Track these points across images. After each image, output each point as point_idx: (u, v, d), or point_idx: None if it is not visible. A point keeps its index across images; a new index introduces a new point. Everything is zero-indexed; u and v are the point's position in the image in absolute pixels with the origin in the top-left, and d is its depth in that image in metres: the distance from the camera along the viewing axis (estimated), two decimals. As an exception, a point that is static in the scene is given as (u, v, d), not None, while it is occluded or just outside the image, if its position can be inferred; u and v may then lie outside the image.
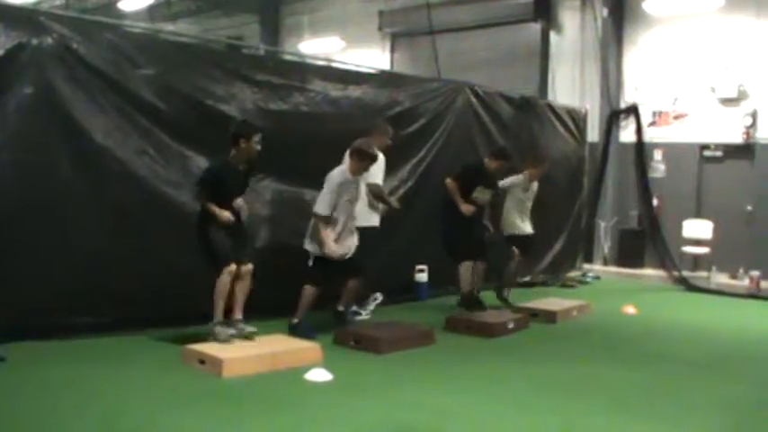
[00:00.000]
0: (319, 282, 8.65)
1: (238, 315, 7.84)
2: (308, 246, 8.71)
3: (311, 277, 8.67)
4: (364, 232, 9.21)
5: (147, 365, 7.09)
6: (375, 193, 9.60)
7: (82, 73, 7.96)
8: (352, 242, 8.83)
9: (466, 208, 10.00)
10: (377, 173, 9.59)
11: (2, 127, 7.39)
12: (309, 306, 8.66)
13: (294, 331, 8.45)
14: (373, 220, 9.69)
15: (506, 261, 11.25)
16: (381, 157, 9.55)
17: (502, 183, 10.96)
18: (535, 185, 11.35)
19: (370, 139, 9.00)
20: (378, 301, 10.33)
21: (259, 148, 7.87)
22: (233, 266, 7.63)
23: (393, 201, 9.92)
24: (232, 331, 7.64)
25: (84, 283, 7.82)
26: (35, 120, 7.61)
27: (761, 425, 6.32)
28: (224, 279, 7.59)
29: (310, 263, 8.71)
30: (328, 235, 8.51)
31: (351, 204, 8.74)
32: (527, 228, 11.23)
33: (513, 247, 11.16)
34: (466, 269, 10.16)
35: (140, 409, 5.84)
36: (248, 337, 7.69)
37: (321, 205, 8.50)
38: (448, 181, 10.19)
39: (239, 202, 7.96)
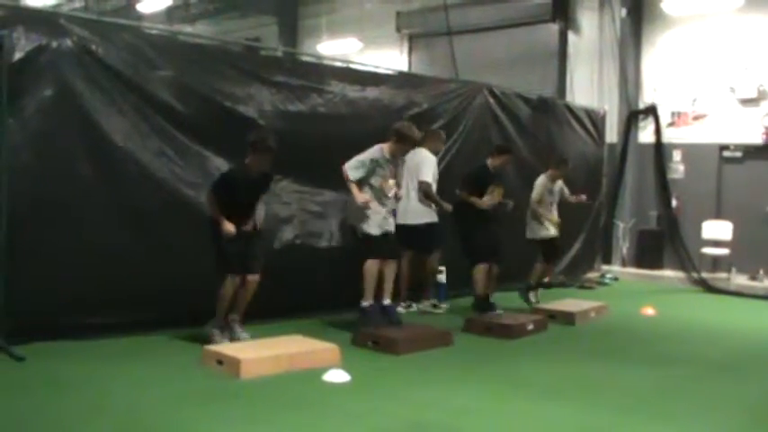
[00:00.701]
0: (376, 252, 8.85)
1: (236, 318, 7.98)
2: (354, 222, 9.05)
3: (366, 251, 8.89)
4: (419, 229, 10.04)
5: (165, 365, 7.12)
6: (424, 191, 9.99)
7: (101, 75, 8.01)
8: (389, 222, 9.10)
9: (485, 201, 10.09)
10: (427, 171, 10.03)
11: (22, 128, 7.43)
12: (376, 283, 8.87)
13: (362, 316, 8.83)
14: (427, 216, 10.16)
15: (534, 264, 11.43)
16: (433, 158, 10.19)
17: (534, 196, 11.18)
18: (558, 185, 11.45)
19: (411, 124, 9.21)
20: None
21: (266, 168, 7.99)
22: (237, 279, 7.68)
23: (445, 204, 10.12)
24: (226, 340, 7.78)
25: (102, 284, 7.85)
26: (54, 121, 7.66)
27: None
28: (227, 288, 7.68)
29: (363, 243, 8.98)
30: (357, 192, 8.76)
31: (383, 183, 8.90)
32: (551, 231, 11.28)
33: (541, 252, 11.36)
34: (480, 272, 10.18)
35: (157, 409, 5.86)
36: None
37: (350, 166, 8.81)
38: (458, 193, 10.30)
39: (259, 212, 8.01)
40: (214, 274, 7.83)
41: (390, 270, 9.01)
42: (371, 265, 8.83)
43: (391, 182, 8.95)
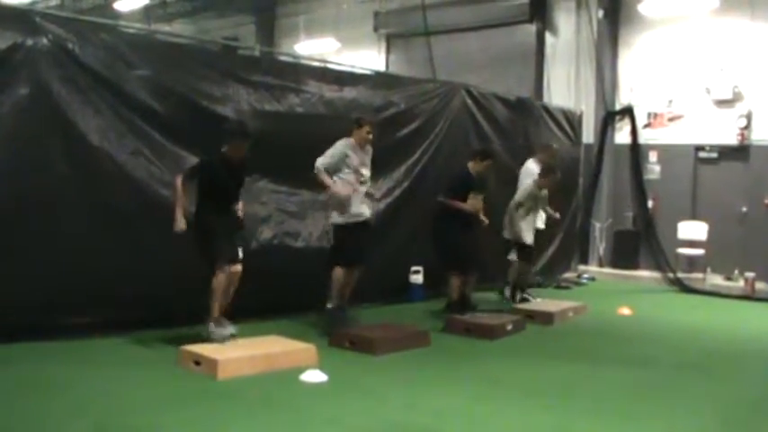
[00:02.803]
0: (341, 258, 8.87)
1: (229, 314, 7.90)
2: (331, 219, 9.06)
3: (332, 257, 8.93)
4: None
5: (143, 366, 7.09)
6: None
7: (77, 73, 7.96)
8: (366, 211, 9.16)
9: (471, 205, 9.98)
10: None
11: (-3, 127, 7.39)
12: (342, 289, 8.89)
13: (328, 316, 8.84)
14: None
15: (510, 265, 11.46)
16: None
17: (518, 198, 11.16)
18: (544, 193, 11.43)
19: (365, 112, 9.60)
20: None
21: (243, 156, 7.91)
22: (229, 267, 7.63)
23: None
24: (229, 331, 7.65)
25: (79, 284, 7.80)
26: (30, 120, 7.60)
27: (754, 425, 6.35)
28: (220, 279, 7.59)
29: (332, 241, 9.03)
30: (330, 182, 8.87)
31: (358, 172, 8.97)
32: (529, 237, 11.24)
33: (514, 253, 11.34)
34: (456, 279, 10.13)
35: (135, 410, 5.83)
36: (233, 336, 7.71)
37: (320, 161, 8.89)
38: (440, 198, 10.15)
39: (238, 206, 8.00)
40: (191, 273, 7.78)
41: (356, 274, 9.04)
42: (338, 272, 8.88)
43: (364, 171, 9.05)
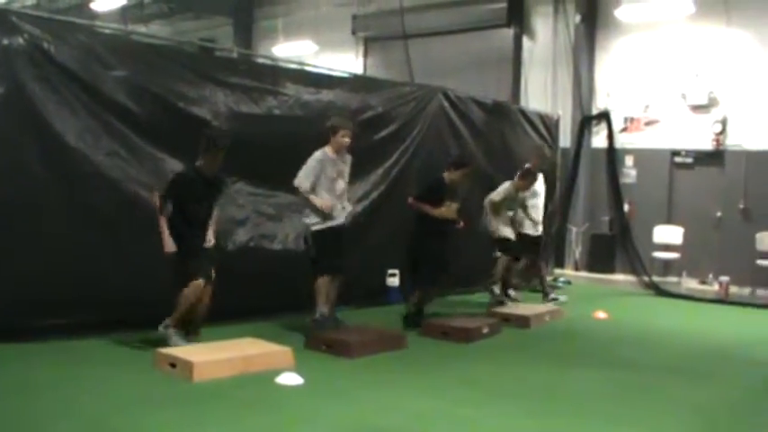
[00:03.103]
0: (326, 269, 8.82)
1: (194, 331, 7.93)
2: (306, 220, 8.93)
3: (316, 267, 8.85)
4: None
5: (119, 368, 7.05)
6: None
7: (53, 73, 7.93)
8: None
9: (439, 211, 9.72)
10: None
11: (-28, 127, 7.35)
12: (327, 297, 8.87)
13: (316, 326, 8.73)
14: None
15: (493, 263, 11.50)
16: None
17: (493, 196, 11.24)
18: (521, 195, 11.57)
19: (342, 116, 9.48)
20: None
21: (217, 168, 7.89)
22: (201, 282, 7.62)
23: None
24: (183, 343, 7.63)
25: (56, 285, 7.77)
26: (6, 119, 7.58)
27: (730, 427, 6.39)
28: (192, 289, 7.59)
29: (312, 251, 8.89)
30: (315, 198, 8.77)
31: (336, 183, 8.92)
32: (506, 231, 11.40)
33: (498, 251, 11.45)
34: (420, 294, 9.90)
35: (110, 413, 5.79)
36: None
37: (300, 178, 8.77)
38: (410, 200, 9.93)
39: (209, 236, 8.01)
40: (168, 275, 7.76)
41: (338, 281, 9.02)
42: (322, 282, 8.83)
43: (340, 181, 9.00)
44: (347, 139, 8.93)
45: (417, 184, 10.77)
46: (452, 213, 9.88)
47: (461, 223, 10.06)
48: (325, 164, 8.80)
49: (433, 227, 9.74)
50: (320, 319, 8.80)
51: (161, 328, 7.68)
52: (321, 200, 8.73)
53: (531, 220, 11.81)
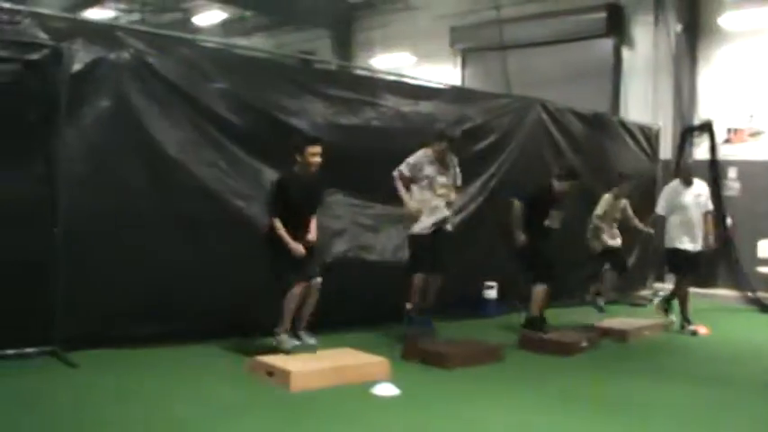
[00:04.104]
0: (419, 266, 8.96)
1: (302, 326, 7.95)
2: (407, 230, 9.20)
3: (412, 266, 9.03)
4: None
5: (216, 376, 7.17)
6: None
7: (157, 87, 8.13)
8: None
9: (521, 239, 9.65)
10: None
11: (79, 139, 7.57)
12: (421, 294, 9.02)
13: (407, 321, 8.97)
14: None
15: (601, 275, 11.93)
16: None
17: (597, 211, 11.54)
18: (622, 203, 11.80)
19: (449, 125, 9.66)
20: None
21: (317, 159, 7.88)
22: (300, 286, 7.70)
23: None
24: (296, 342, 7.75)
25: (155, 294, 7.96)
26: (111, 132, 7.78)
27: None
28: (294, 291, 7.65)
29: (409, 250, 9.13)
30: (407, 198, 9.06)
31: (435, 184, 9.06)
32: (617, 241, 11.79)
33: (606, 262, 11.81)
34: (539, 292, 9.80)
35: (207, 420, 5.89)
36: (310, 349, 7.75)
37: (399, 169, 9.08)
38: (516, 203, 9.76)
39: (311, 236, 8.05)
40: (266, 284, 7.87)
41: (436, 283, 9.05)
42: (416, 280, 8.96)
43: (442, 182, 9.10)
44: (445, 150, 9.06)
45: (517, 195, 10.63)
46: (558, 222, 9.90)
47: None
48: (424, 162, 9.06)
49: (540, 230, 9.78)
50: (411, 313, 8.99)
51: (274, 341, 7.77)
52: (408, 199, 9.03)
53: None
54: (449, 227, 9.24)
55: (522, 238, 9.67)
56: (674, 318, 11.32)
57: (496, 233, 10.60)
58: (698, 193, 11.15)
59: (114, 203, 7.77)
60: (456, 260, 9.58)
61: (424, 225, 9.00)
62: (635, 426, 6.36)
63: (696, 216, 11.02)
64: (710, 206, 11.25)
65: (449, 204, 9.24)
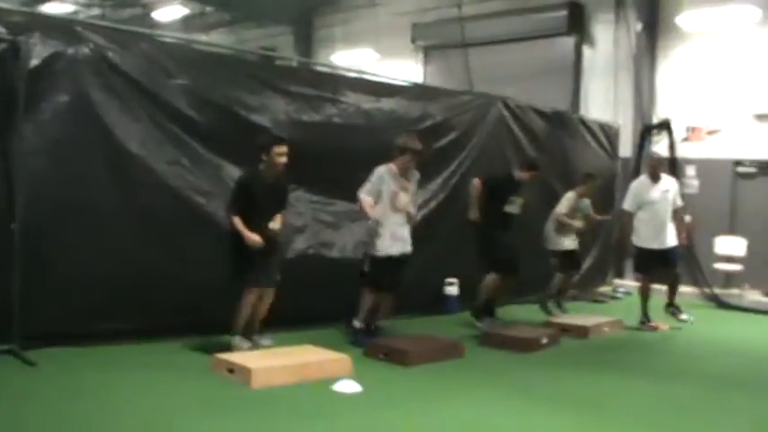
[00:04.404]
0: (375, 284, 8.84)
1: (255, 329, 8.01)
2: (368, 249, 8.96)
3: (366, 282, 8.87)
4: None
5: (176, 374, 7.13)
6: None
7: (116, 82, 8.05)
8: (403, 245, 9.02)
9: (474, 215, 9.96)
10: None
11: (38, 134, 7.47)
12: (371, 311, 8.89)
13: (351, 336, 8.81)
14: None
15: (553, 275, 11.67)
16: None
17: (560, 209, 11.33)
18: (585, 202, 11.68)
19: (412, 135, 9.21)
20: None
21: (283, 160, 7.90)
22: (255, 293, 7.73)
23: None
24: (248, 344, 7.84)
25: (114, 291, 7.89)
26: (70, 128, 7.69)
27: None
28: (248, 299, 7.72)
29: (366, 267, 8.90)
30: (369, 208, 8.71)
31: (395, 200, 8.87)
32: (571, 243, 11.55)
33: (556, 262, 11.60)
34: (489, 281, 10.10)
35: (168, 418, 5.86)
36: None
37: (363, 192, 8.74)
38: (476, 181, 10.13)
39: (274, 224, 8.00)
40: (227, 282, 7.85)
41: (387, 300, 9.05)
42: (367, 294, 8.87)
43: (403, 196, 8.94)
44: (412, 163, 8.99)
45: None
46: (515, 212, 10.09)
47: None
48: (385, 179, 8.80)
49: (501, 222, 10.00)
50: (357, 331, 8.87)
51: (230, 338, 7.79)
52: (375, 208, 8.72)
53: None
54: (409, 248, 9.17)
55: (475, 215, 9.94)
56: (689, 317, 11.37)
57: (458, 230, 10.60)
58: (666, 189, 11.01)
59: (74, 200, 7.68)
60: (417, 257, 9.59)
61: (386, 248, 8.84)
62: (595, 422, 6.40)
63: (664, 212, 10.92)
64: (680, 202, 11.15)
65: (409, 218, 9.14)
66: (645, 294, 11.22)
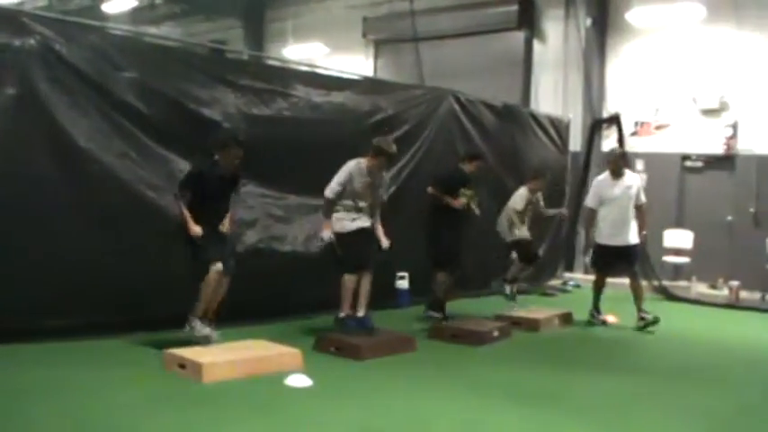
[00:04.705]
0: (347, 265, 8.72)
1: (211, 318, 7.94)
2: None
3: (342, 266, 8.77)
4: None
5: (128, 369, 7.06)
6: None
7: (64, 75, 7.95)
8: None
9: (458, 202, 10.03)
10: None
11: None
12: (352, 297, 8.76)
13: (339, 326, 8.70)
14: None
15: (509, 265, 11.72)
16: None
17: (516, 206, 11.27)
18: (537, 196, 11.62)
19: (389, 139, 9.15)
20: None
21: (237, 161, 7.89)
22: (219, 265, 7.64)
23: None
24: (208, 331, 7.75)
25: (63, 286, 7.78)
26: (17, 121, 7.59)
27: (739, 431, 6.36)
28: (212, 276, 7.61)
29: (337, 250, 8.81)
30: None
31: (358, 200, 8.83)
32: (527, 234, 11.50)
33: (514, 252, 11.62)
34: (443, 277, 10.21)
35: (119, 414, 5.80)
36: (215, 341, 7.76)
37: (330, 189, 8.67)
38: (430, 189, 10.22)
39: (222, 227, 7.98)
40: (177, 276, 7.80)
41: (367, 281, 8.95)
42: (347, 280, 8.73)
43: (366, 200, 8.92)
44: (383, 168, 9.01)
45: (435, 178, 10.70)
46: (471, 201, 10.14)
47: (477, 211, 10.15)
48: (352, 176, 8.73)
49: (449, 219, 10.04)
50: (345, 320, 8.75)
51: (187, 327, 7.70)
52: (331, 223, 8.73)
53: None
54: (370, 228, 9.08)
55: (454, 202, 10.04)
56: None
57: (408, 224, 10.61)
58: (628, 185, 10.80)
59: (21, 194, 7.59)
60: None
61: (346, 225, 8.80)
62: (547, 415, 6.43)
63: (625, 209, 10.69)
64: (644, 199, 10.94)
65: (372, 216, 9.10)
66: (598, 289, 11.14)
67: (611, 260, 10.89)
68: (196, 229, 7.65)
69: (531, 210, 11.49)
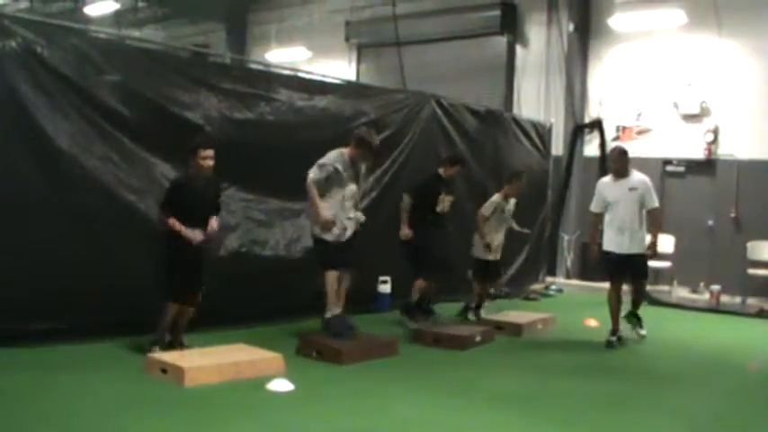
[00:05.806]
0: (331, 263, 8.72)
1: (182, 330, 7.95)
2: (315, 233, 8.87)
3: (323, 262, 8.76)
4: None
5: (109, 374, 7.03)
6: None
7: (46, 77, 7.90)
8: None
9: (405, 233, 10.08)
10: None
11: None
12: (337, 293, 8.77)
13: (327, 327, 8.67)
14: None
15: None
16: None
17: (483, 210, 10.93)
18: (512, 203, 11.27)
19: (371, 129, 9.28)
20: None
21: (209, 163, 7.78)
22: (181, 305, 7.71)
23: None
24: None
25: (43, 289, 7.73)
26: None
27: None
28: (172, 309, 7.65)
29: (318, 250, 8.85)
30: (319, 205, 8.64)
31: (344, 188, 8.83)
32: (495, 255, 11.08)
33: (471, 272, 11.22)
34: (421, 284, 10.23)
35: (101, 418, 5.78)
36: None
37: (313, 171, 8.66)
38: (405, 197, 10.22)
39: (212, 224, 7.94)
40: (156, 280, 7.76)
41: (348, 278, 8.94)
42: (330, 276, 8.72)
43: (351, 189, 8.94)
44: (366, 158, 9.05)
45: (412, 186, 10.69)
46: (447, 206, 10.22)
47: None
48: (338, 166, 8.75)
49: (432, 222, 10.11)
50: (332, 320, 8.71)
51: (149, 349, 7.64)
52: (323, 210, 8.64)
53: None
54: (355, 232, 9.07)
55: (406, 232, 10.06)
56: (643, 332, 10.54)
57: (390, 228, 10.61)
58: (632, 187, 9.76)
59: (1, 197, 7.54)
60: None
61: (333, 234, 8.75)
62: (528, 418, 6.45)
63: (629, 212, 9.71)
64: (656, 202, 9.83)
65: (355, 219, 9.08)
66: (613, 302, 10.06)
67: (622, 268, 9.95)
68: (194, 236, 7.65)
69: (503, 219, 11.14)
